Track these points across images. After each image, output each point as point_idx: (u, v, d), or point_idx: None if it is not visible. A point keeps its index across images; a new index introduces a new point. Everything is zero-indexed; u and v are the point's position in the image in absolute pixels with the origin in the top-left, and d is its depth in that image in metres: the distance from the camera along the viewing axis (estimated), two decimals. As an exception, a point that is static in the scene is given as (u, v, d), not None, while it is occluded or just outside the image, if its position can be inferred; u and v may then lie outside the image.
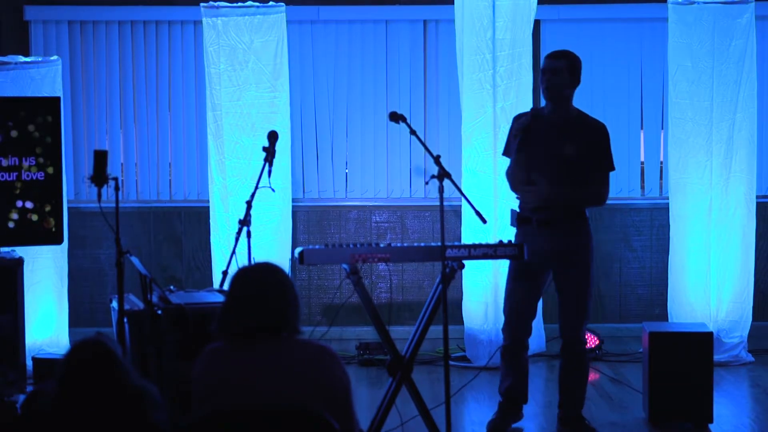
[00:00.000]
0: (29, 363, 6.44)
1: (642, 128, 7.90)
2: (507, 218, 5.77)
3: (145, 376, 3.45)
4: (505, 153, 5.66)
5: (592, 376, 6.81)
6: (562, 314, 5.56)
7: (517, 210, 5.51)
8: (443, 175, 4.93)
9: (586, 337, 7.14)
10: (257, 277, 3.44)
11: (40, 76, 6.96)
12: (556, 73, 5.41)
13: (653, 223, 7.86)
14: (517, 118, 5.57)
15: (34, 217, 6.41)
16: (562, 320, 5.57)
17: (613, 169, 5.52)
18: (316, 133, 7.90)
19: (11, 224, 6.37)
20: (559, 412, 5.66)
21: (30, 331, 6.60)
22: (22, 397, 5.78)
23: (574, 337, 5.57)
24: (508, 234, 5.85)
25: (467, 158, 7.13)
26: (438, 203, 4.92)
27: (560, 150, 5.41)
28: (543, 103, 5.55)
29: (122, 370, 3.27)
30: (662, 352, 5.61)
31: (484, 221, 5.12)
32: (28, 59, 7.03)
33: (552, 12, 7.71)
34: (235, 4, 7.22)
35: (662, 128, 7.79)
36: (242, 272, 3.49)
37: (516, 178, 5.47)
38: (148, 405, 3.27)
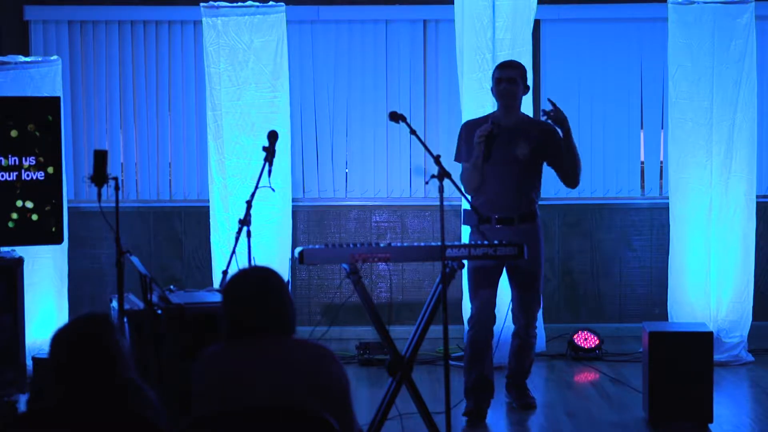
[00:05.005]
0: (29, 363, 6.44)
1: (642, 128, 7.90)
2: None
3: (145, 376, 3.41)
4: (457, 159, 5.87)
5: (592, 375, 6.83)
6: (517, 305, 5.82)
7: (469, 209, 5.52)
8: (443, 174, 4.93)
9: (585, 335, 7.19)
10: (254, 278, 3.44)
11: (40, 75, 6.95)
12: (513, 81, 5.76)
13: (653, 223, 7.86)
14: (468, 126, 5.83)
15: (34, 217, 6.40)
16: (517, 311, 5.83)
17: None
18: (316, 132, 7.90)
19: (11, 224, 6.36)
20: (507, 381, 6.01)
21: (30, 331, 6.59)
22: (22, 397, 5.79)
23: (528, 326, 5.87)
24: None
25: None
26: (438, 203, 4.92)
27: (514, 152, 5.68)
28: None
29: (112, 353, 3.20)
30: (662, 352, 5.60)
31: (483, 221, 5.12)
32: (28, 59, 7.03)
33: (552, 12, 7.71)
34: (235, 4, 7.22)
35: (662, 128, 7.79)
36: (239, 274, 3.49)
37: (469, 184, 5.70)
38: (134, 397, 3.21)
